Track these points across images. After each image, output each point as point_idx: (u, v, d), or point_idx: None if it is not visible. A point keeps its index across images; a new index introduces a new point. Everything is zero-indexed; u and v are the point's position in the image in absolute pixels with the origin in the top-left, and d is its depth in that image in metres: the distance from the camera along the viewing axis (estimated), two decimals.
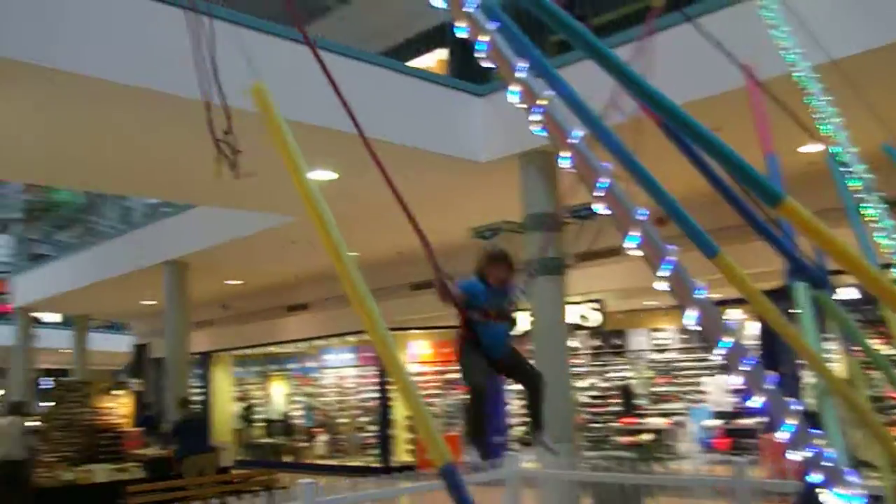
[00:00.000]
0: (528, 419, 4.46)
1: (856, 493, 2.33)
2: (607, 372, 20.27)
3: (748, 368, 2.32)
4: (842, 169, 4.67)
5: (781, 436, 2.32)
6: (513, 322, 4.34)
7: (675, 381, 19.53)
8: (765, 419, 2.44)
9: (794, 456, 2.34)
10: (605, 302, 12.95)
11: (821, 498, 2.39)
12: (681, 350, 19.80)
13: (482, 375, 4.05)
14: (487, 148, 9.37)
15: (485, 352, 4.07)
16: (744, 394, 2.38)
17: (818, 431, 2.31)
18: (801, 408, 2.30)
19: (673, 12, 8.15)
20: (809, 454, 2.29)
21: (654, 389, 19.68)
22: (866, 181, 4.46)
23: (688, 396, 18.93)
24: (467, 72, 10.22)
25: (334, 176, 9.65)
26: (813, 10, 6.03)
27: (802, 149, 8.89)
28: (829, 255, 2.17)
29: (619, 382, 18.95)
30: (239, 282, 18.60)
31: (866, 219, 4.53)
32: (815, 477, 2.33)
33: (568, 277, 9.27)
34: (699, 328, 2.37)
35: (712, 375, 17.37)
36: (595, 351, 20.56)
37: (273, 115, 2.47)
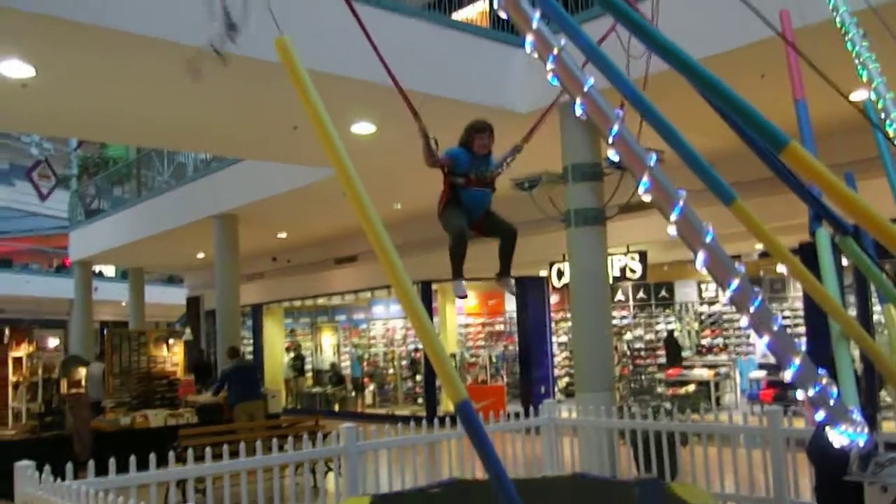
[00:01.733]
0: (500, 262, 5.13)
1: (860, 430, 2.40)
2: (654, 324, 20.28)
3: (755, 309, 2.38)
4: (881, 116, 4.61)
5: (787, 375, 2.39)
6: (492, 188, 4.90)
7: (722, 333, 19.45)
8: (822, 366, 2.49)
9: (801, 394, 2.41)
10: (649, 254, 12.88)
11: (828, 435, 2.46)
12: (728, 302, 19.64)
13: (460, 221, 4.69)
14: (528, 99, 9.34)
15: (464, 211, 4.66)
16: (812, 343, 2.45)
17: (824, 371, 2.37)
18: (804, 349, 2.36)
19: None
20: (813, 392, 2.36)
21: (700, 341, 19.64)
22: None
23: (735, 349, 18.87)
24: (508, 23, 10.15)
25: (373, 129, 9.74)
26: None
27: (853, 96, 8.72)
28: (834, 201, 2.20)
29: (665, 334, 18.95)
30: (286, 235, 18.90)
31: None
32: (819, 415, 2.40)
33: (610, 228, 9.27)
34: (708, 270, 2.43)
35: None
36: (641, 303, 20.54)
37: (297, 70, 2.56)
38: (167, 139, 12.32)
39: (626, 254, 12.64)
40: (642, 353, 19.89)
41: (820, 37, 5.46)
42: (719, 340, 19.17)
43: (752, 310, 2.38)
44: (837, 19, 5.07)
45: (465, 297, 4.78)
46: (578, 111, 2.53)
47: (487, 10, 12.06)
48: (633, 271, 12.62)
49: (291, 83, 2.56)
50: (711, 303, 19.89)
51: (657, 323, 20.22)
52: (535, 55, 2.57)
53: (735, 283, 2.39)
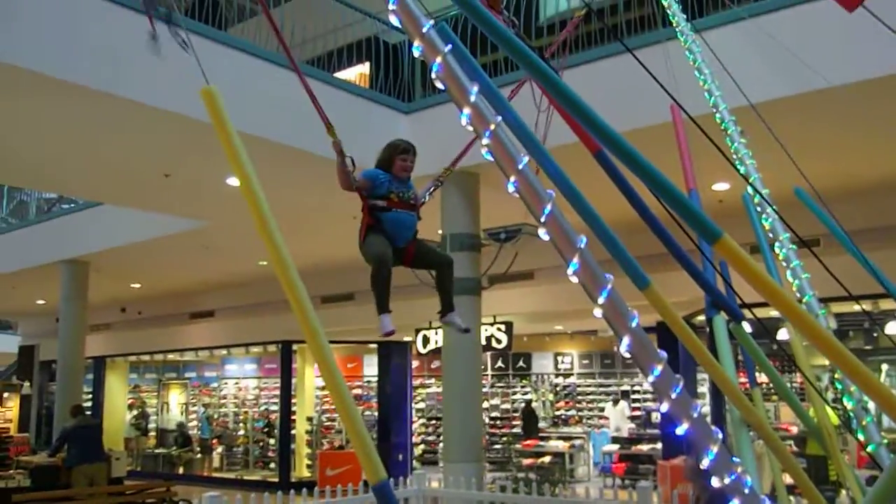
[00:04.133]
0: (440, 300, 4.42)
1: None
2: (510, 393, 20.56)
3: (676, 396, 2.40)
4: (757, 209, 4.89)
5: (705, 462, 2.41)
6: (418, 215, 4.42)
7: (576, 405, 19.95)
8: (681, 445, 2.52)
9: (716, 482, 2.43)
10: (514, 324, 13.10)
11: None
12: (582, 375, 20.26)
13: (383, 246, 4.09)
14: (418, 165, 9.36)
15: (388, 239, 4.14)
16: (672, 420, 2.46)
17: (737, 459, 2.41)
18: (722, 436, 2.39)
19: (604, 45, 8.42)
20: (729, 480, 2.38)
21: (555, 412, 20.05)
22: (776, 222, 4.68)
23: (588, 421, 19.37)
24: (389, 89, 10.24)
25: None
26: (737, 56, 6.35)
27: (715, 186, 9.32)
28: (760, 292, 2.26)
29: (522, 405, 19.23)
30: (139, 285, 18.01)
31: (778, 258, 4.74)
32: (734, 503, 2.43)
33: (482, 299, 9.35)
34: (631, 355, 2.44)
35: (613, 402, 17.81)
36: (499, 372, 20.82)
37: (223, 119, 2.44)
38: (28, 177, 11.54)
39: (492, 324, 12.79)
40: (498, 423, 20.07)
41: (695, 129, 5.78)
42: (573, 412, 19.63)
43: (672, 396, 2.40)
44: (717, 116, 5.41)
45: (392, 333, 4.08)
46: (511, 188, 2.52)
47: (369, 73, 12.13)
48: (498, 341, 12.77)
49: (216, 132, 2.43)
50: (567, 375, 20.40)
51: (514, 392, 20.52)
52: (470, 129, 2.55)
53: (658, 368, 2.40)
